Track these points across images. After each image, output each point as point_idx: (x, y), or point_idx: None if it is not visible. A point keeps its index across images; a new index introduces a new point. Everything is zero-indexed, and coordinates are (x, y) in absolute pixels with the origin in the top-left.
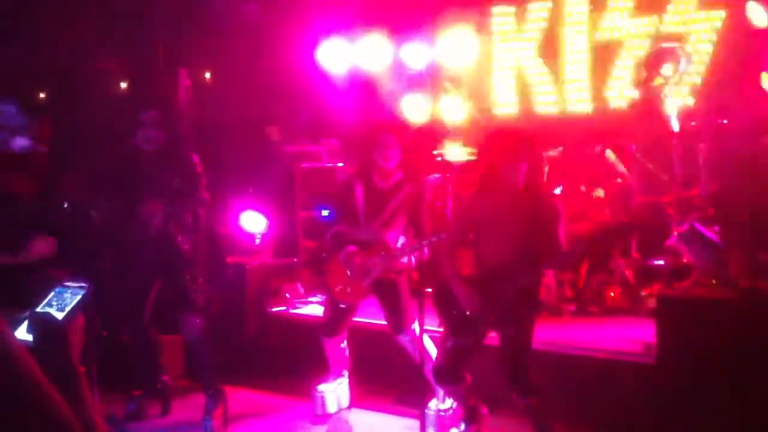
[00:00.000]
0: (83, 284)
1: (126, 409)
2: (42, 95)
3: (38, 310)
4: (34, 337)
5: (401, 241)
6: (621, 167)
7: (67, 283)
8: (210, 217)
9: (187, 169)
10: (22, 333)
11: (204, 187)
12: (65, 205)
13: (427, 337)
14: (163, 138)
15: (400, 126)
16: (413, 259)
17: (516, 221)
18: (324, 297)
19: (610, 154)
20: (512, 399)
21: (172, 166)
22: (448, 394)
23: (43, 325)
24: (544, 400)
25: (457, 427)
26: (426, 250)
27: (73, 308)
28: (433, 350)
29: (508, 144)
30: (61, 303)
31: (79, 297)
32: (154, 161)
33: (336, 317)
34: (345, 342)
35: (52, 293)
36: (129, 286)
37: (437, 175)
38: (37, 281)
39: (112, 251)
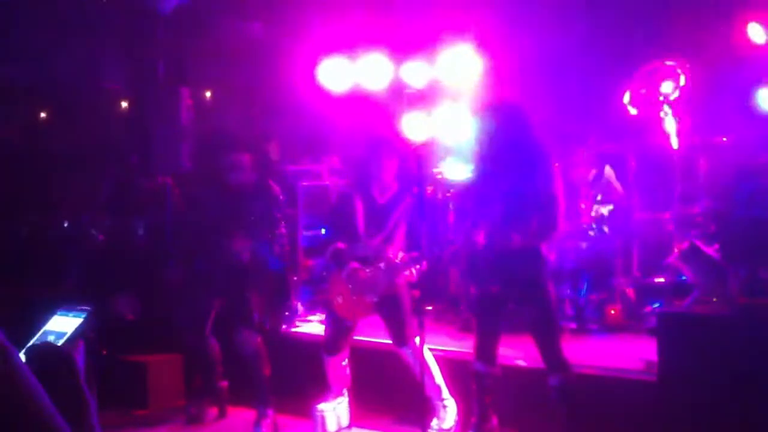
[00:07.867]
0: (85, 308)
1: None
2: (43, 114)
3: (38, 335)
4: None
5: (401, 255)
6: (618, 186)
7: (69, 307)
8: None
9: (272, 203)
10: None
11: (281, 220)
12: (65, 225)
13: (428, 352)
14: (253, 178)
15: (399, 140)
16: (414, 272)
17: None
18: (325, 315)
19: (609, 170)
20: (548, 385)
21: (257, 201)
22: (476, 380)
23: (42, 352)
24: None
25: None
26: (426, 262)
27: (74, 333)
28: (434, 366)
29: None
30: (61, 328)
31: (80, 321)
32: (240, 197)
33: (338, 334)
34: (346, 360)
35: (53, 317)
36: (198, 301)
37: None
38: (40, 304)
39: (182, 268)
